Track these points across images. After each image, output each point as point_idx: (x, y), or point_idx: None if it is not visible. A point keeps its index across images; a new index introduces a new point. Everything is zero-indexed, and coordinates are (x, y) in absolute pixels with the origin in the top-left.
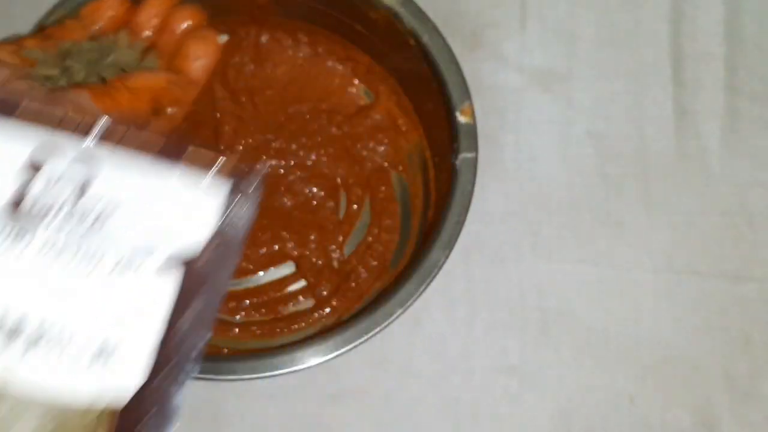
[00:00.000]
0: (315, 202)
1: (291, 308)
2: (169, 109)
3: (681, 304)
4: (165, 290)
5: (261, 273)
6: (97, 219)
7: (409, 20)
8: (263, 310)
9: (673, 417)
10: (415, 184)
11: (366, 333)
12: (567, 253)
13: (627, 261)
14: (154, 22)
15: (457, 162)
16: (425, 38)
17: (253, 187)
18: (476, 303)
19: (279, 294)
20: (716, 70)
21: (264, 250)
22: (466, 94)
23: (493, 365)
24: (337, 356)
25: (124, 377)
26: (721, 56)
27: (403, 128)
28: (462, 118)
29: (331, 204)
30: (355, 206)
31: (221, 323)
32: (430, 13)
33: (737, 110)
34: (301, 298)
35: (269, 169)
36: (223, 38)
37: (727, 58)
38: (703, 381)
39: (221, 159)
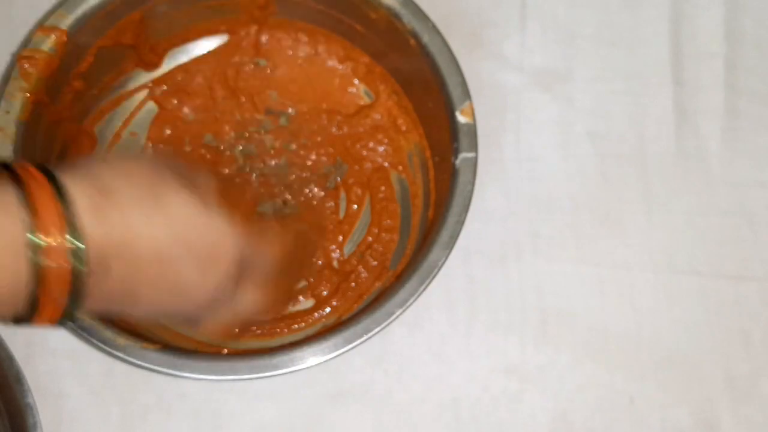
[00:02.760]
0: (315, 203)
1: (291, 308)
2: None
3: (681, 304)
4: None
5: None
6: None
7: (410, 20)
8: None
9: (673, 417)
10: (415, 184)
11: (366, 333)
12: (567, 253)
13: (627, 261)
14: None
15: (457, 162)
16: (425, 38)
17: None
18: (476, 303)
19: None
20: (716, 70)
21: None
22: (466, 94)
23: (493, 365)
24: (337, 356)
25: None
26: (721, 56)
27: (403, 128)
28: (462, 118)
29: (331, 204)
30: (355, 206)
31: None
32: (430, 13)
33: (737, 110)
34: (301, 298)
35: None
36: None
37: (727, 57)
38: (703, 381)
39: None
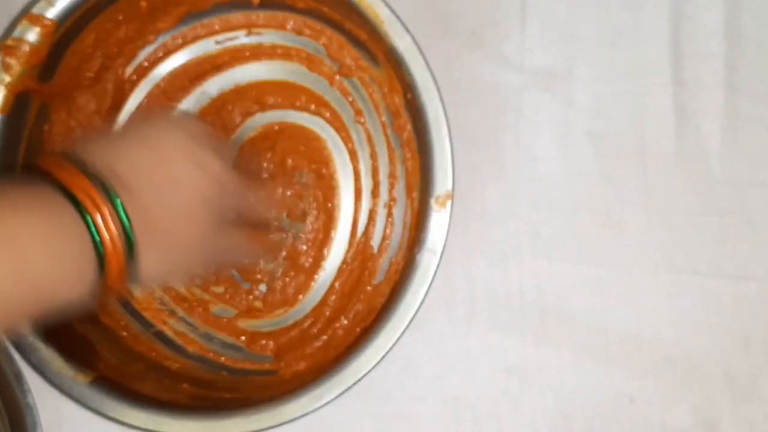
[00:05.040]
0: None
1: None
2: None
3: (681, 304)
4: None
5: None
6: None
7: (410, 76)
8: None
9: (673, 417)
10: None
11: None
12: (567, 253)
13: (627, 261)
14: None
15: (419, 255)
16: (423, 98)
17: None
18: (476, 303)
19: None
20: (716, 70)
21: None
22: (449, 179)
23: (493, 365)
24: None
25: None
26: (721, 56)
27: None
28: (435, 207)
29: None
30: None
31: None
32: (431, 12)
33: (737, 110)
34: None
35: None
36: None
37: (727, 57)
38: (703, 381)
39: None
